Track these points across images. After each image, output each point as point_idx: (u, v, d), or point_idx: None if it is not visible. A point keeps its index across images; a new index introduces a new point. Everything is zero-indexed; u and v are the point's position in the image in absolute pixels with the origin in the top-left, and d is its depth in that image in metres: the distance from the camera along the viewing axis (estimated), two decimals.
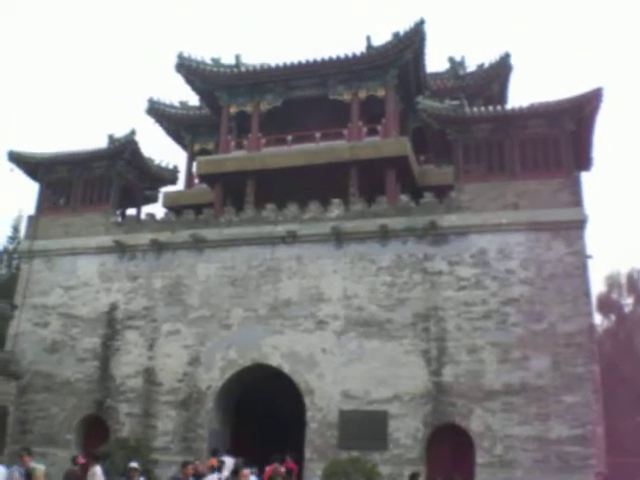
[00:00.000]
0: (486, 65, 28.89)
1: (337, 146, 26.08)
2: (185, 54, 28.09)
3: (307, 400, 22.76)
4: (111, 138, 28.12)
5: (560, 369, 20.93)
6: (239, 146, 28.01)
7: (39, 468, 12.08)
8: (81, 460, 16.68)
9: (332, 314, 23.21)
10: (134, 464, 13.40)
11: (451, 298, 22.34)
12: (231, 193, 27.61)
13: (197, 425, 23.53)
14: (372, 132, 26.46)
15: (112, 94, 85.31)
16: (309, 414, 22.64)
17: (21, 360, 26.21)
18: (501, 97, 28.64)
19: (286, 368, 23.27)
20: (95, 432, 24.57)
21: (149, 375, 24.61)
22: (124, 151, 27.89)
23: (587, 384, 20.76)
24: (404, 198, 24.22)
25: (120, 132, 28.22)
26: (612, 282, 36.51)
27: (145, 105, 31.68)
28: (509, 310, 21.74)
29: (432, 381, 21.71)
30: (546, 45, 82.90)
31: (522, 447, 20.58)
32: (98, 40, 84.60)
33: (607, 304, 36.09)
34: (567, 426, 20.48)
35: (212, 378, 23.88)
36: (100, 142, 28.76)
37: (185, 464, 15.04)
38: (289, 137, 27.16)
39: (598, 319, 34.66)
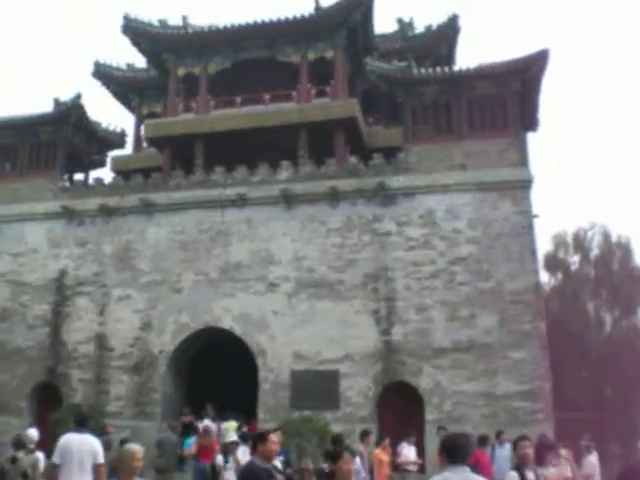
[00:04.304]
0: (434, 27, 28.83)
1: (286, 108, 25.95)
2: (131, 16, 27.54)
3: (259, 361, 22.95)
4: (57, 102, 27.64)
5: (507, 326, 21.38)
6: (188, 109, 27.65)
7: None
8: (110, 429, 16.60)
9: (283, 276, 23.33)
10: (234, 437, 13.36)
11: (400, 258, 22.59)
12: (180, 156, 27.36)
13: (150, 389, 23.58)
14: (321, 94, 26.37)
15: (58, 58, 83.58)
16: (261, 375, 22.84)
17: None
18: (449, 58, 28.72)
19: (238, 330, 23.38)
20: (48, 399, 24.43)
21: (100, 341, 24.51)
22: (70, 115, 27.42)
23: (534, 340, 21.25)
24: (353, 160, 24.30)
25: (66, 96, 27.79)
26: (559, 241, 36.94)
27: (91, 68, 31.08)
28: (457, 269, 22.08)
29: (382, 340, 22.03)
30: (493, 6, 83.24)
31: (471, 403, 21.07)
32: (43, 2, 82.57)
33: (554, 262, 36.57)
34: (514, 382, 20.99)
35: (164, 342, 23.90)
36: (46, 107, 28.26)
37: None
38: (238, 99, 26.92)
39: (545, 277, 35.27)
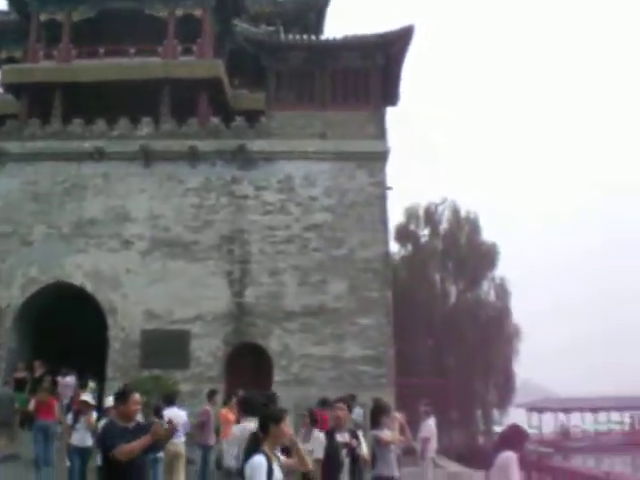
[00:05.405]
0: None
1: (151, 63, 25.45)
2: None
3: (110, 319, 22.75)
4: None
5: (356, 293, 22.18)
6: (49, 56, 26.56)
7: None
8: None
9: (137, 234, 23.16)
10: (88, 397, 13.11)
11: (256, 222, 22.91)
12: (38, 105, 26.25)
13: None
14: (187, 52, 25.98)
15: None
16: (112, 333, 22.68)
17: None
18: (317, 28, 28.89)
19: (89, 287, 23.05)
20: None
21: None
22: None
23: (380, 308, 22.16)
24: (215, 120, 24.27)
25: None
26: (411, 213, 38.23)
27: None
28: (311, 235, 22.65)
29: (234, 302, 22.36)
30: None
31: (317, 366, 21.80)
32: None
33: (405, 234, 37.83)
34: (360, 347, 21.90)
35: (12, 296, 23.20)
36: None
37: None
38: (101, 50, 26.13)
39: (396, 248, 36.51)
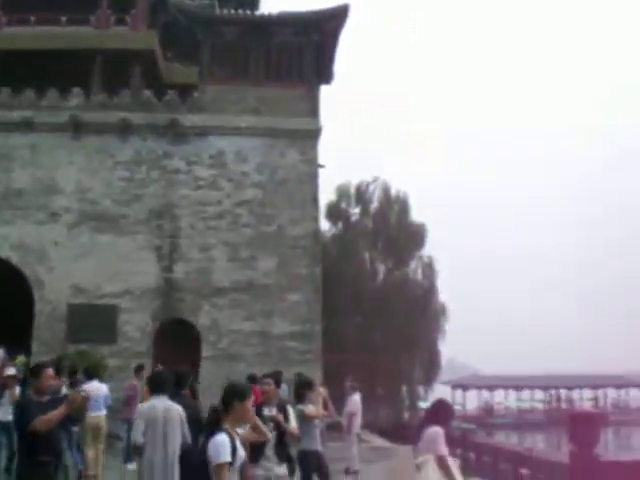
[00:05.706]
0: None
1: (82, 33, 24.99)
2: None
3: (36, 293, 22.39)
4: None
5: (285, 269, 22.38)
6: None
7: None
8: None
9: (65, 207, 22.80)
10: (12, 371, 12.90)
11: (187, 197, 22.85)
12: None
13: None
14: (121, 22, 25.59)
15: None
16: (38, 307, 22.33)
17: None
18: (253, 3, 28.77)
19: (15, 259, 22.64)
20: None
21: None
22: None
23: (309, 285, 22.43)
24: (147, 93, 23.97)
25: None
26: (342, 192, 38.50)
27: None
28: (242, 211, 22.72)
29: (163, 277, 22.30)
30: None
31: (246, 341, 21.95)
32: None
33: (336, 212, 38.10)
34: (288, 323, 22.13)
35: None
36: None
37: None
38: (32, 18, 25.50)
39: (326, 226, 36.78)
